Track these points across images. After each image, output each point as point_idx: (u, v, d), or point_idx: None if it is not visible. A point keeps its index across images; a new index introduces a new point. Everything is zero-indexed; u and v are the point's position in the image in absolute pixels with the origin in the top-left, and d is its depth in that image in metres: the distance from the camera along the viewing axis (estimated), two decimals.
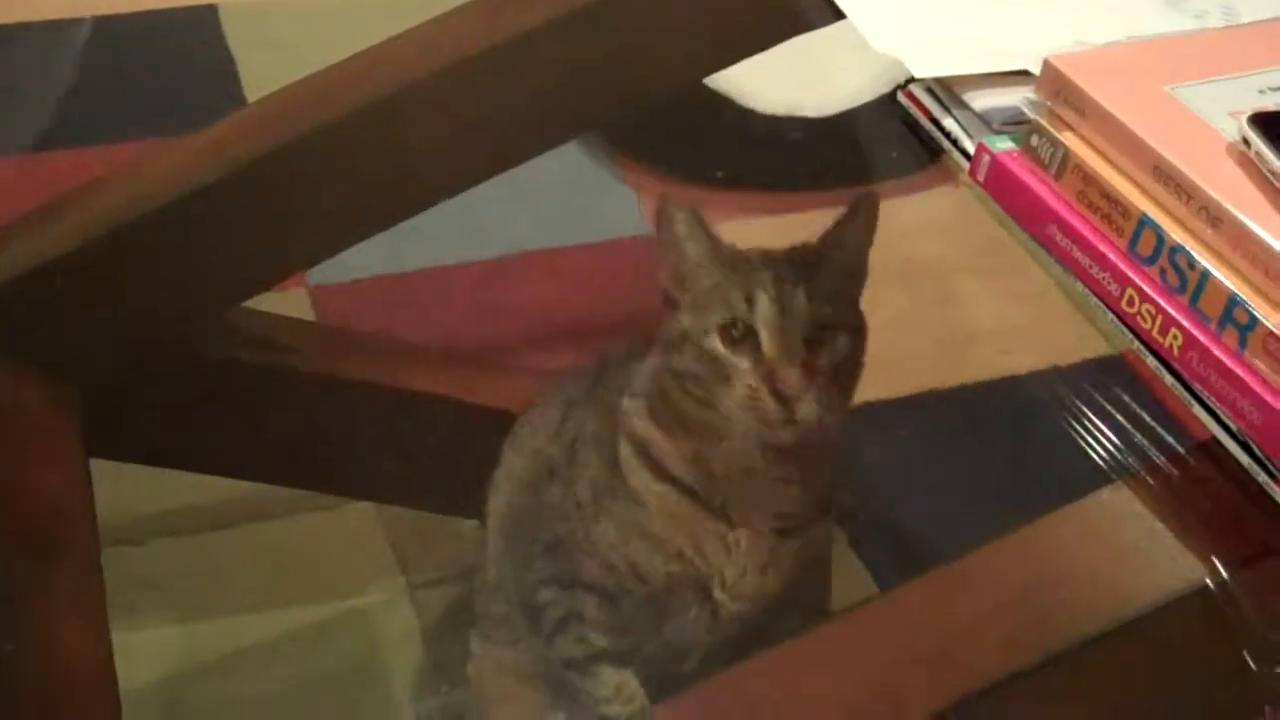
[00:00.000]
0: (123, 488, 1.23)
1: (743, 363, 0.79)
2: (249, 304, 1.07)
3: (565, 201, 1.69)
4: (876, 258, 1.67)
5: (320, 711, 1.12)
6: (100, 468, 0.95)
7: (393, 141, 0.90)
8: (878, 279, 1.62)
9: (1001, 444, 1.28)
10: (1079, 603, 0.60)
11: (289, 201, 0.91)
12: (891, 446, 1.24)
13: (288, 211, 0.91)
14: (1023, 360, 1.46)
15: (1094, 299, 0.62)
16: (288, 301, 1.40)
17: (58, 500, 0.86)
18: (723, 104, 1.64)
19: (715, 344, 0.80)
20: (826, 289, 0.84)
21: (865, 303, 1.58)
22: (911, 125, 0.74)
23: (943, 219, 1.78)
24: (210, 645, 1.16)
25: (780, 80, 1.67)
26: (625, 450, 0.84)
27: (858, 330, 0.85)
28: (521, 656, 1.00)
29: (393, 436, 1.06)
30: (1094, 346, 1.56)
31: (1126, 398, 0.65)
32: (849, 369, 0.83)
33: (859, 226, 0.85)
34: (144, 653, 1.10)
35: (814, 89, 1.68)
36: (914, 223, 1.73)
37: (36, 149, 1.53)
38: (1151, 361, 0.62)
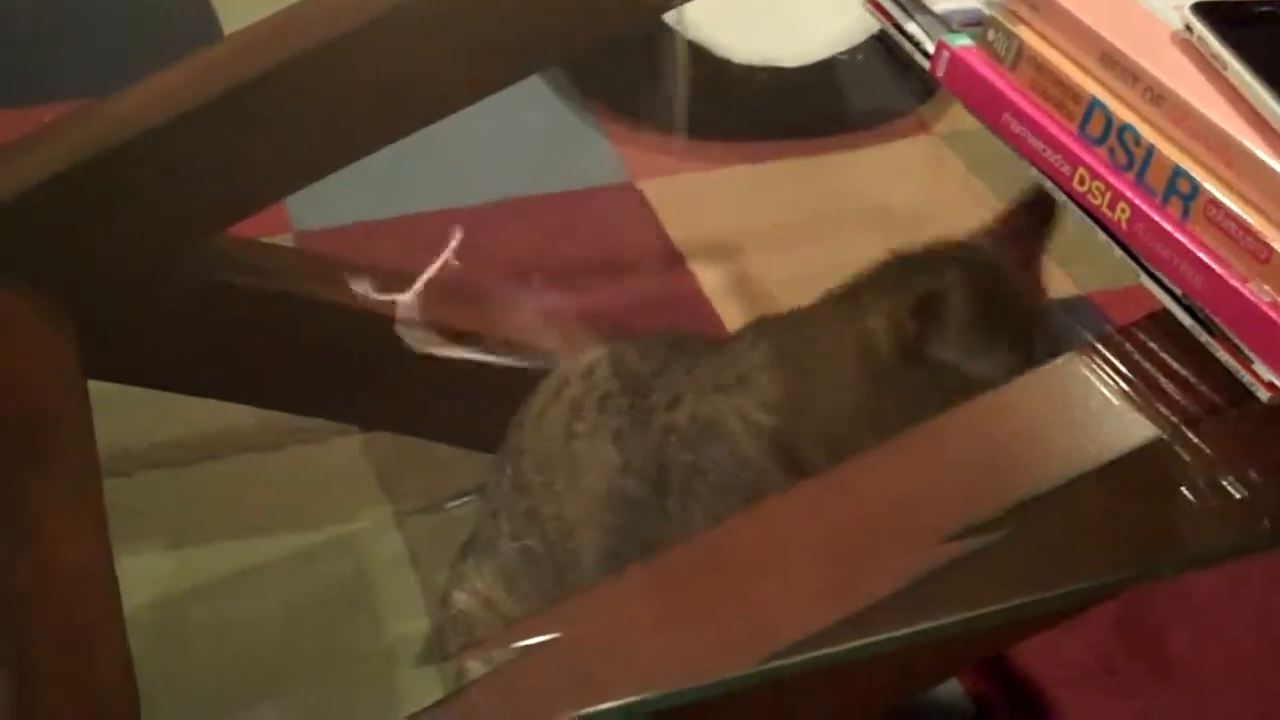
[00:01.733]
0: (110, 421, 1.25)
1: None
2: (237, 235, 1.09)
3: (543, 151, 1.72)
4: (850, 203, 1.70)
5: (311, 634, 1.15)
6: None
7: (368, 70, 0.92)
8: (852, 224, 1.66)
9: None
10: (1033, 462, 0.63)
11: (270, 128, 0.93)
12: None
13: (269, 138, 0.93)
14: None
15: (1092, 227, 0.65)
16: None
17: (57, 410, 0.89)
18: (699, 54, 1.67)
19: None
20: None
21: (842, 246, 1.61)
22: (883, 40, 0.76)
23: (915, 167, 1.81)
24: (201, 571, 1.19)
25: (756, 31, 1.70)
26: None
27: None
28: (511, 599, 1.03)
29: (381, 361, 1.09)
30: (1060, 287, 1.60)
31: (1091, 337, 0.68)
32: None
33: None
34: (136, 578, 1.12)
35: (789, 39, 1.71)
36: (888, 170, 1.76)
37: (21, 104, 1.56)
38: (1102, 236, 0.64)
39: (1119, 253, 0.64)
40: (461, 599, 1.06)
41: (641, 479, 0.95)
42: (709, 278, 1.54)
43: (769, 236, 1.60)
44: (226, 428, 1.28)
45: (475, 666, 0.80)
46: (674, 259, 1.57)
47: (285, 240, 1.51)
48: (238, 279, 1.04)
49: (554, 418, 1.00)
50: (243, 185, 0.97)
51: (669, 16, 1.63)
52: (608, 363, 1.00)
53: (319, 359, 1.07)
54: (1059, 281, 1.58)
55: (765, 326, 0.98)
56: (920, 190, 1.75)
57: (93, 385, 0.95)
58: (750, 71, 1.69)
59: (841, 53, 1.72)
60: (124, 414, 1.23)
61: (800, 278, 1.56)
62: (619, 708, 0.57)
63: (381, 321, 1.08)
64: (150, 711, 0.80)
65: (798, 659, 0.59)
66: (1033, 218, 0.92)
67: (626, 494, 0.95)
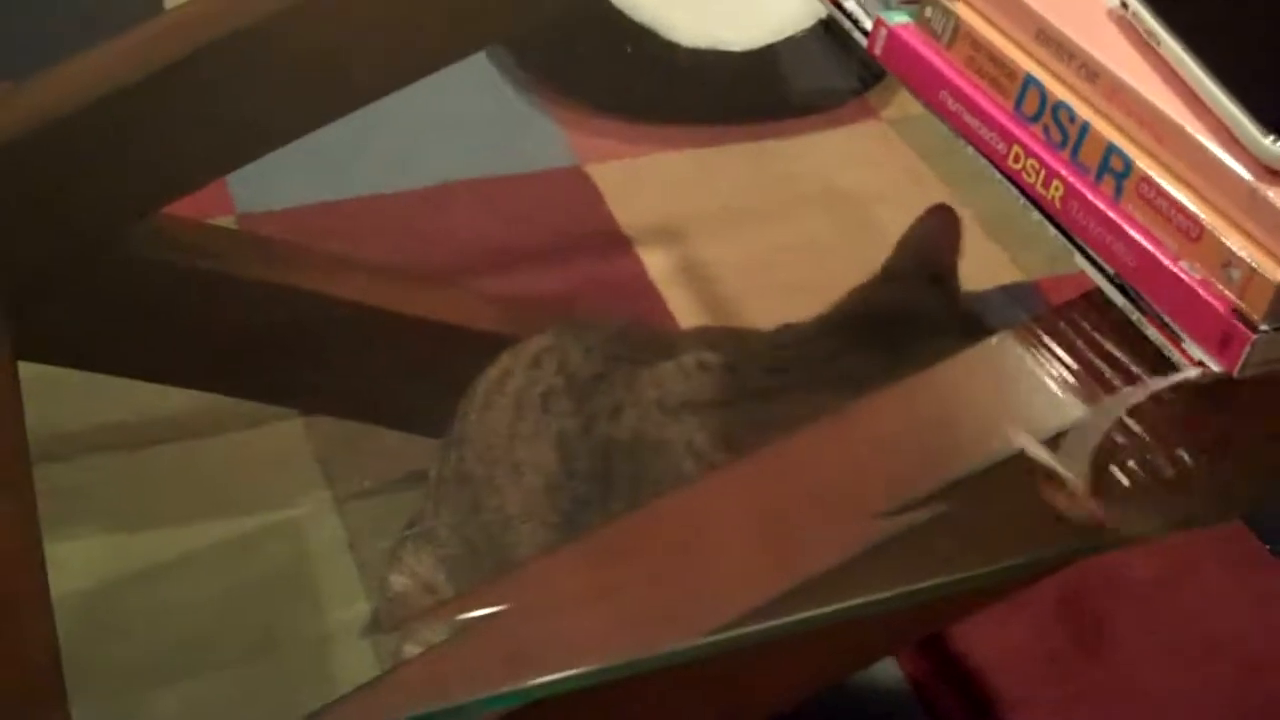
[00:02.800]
0: (48, 405, 1.24)
1: None
2: (179, 215, 1.08)
3: (492, 134, 1.71)
4: (798, 188, 1.70)
5: (249, 618, 1.14)
6: (24, 385, 0.96)
7: (312, 45, 0.92)
8: (801, 207, 1.66)
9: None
10: (967, 440, 0.63)
11: (209, 104, 0.92)
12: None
13: (209, 114, 0.92)
14: None
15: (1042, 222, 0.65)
16: None
17: None
18: (646, 37, 1.66)
19: None
20: None
21: (789, 229, 1.62)
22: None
23: (864, 151, 1.81)
24: (139, 556, 1.18)
25: (704, 14, 1.70)
26: None
27: None
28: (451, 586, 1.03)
29: (322, 345, 1.08)
30: (1007, 273, 1.60)
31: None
32: None
33: None
34: (72, 562, 1.12)
35: (738, 23, 1.71)
36: (835, 155, 1.77)
37: None
38: (1036, 215, 0.64)
39: (1053, 231, 0.64)
40: (400, 581, 1.05)
41: (584, 480, 0.95)
42: (655, 262, 1.54)
43: (716, 221, 1.60)
44: (166, 411, 1.26)
45: (413, 646, 0.80)
46: (620, 243, 1.57)
47: (228, 222, 1.50)
48: (177, 259, 1.03)
49: (498, 410, 1.00)
50: (182, 162, 0.96)
51: None
52: (552, 358, 1.00)
53: (259, 342, 1.06)
54: (1004, 268, 1.60)
55: (709, 336, 0.99)
56: (868, 175, 1.75)
57: (30, 367, 0.94)
58: (698, 55, 1.69)
59: (789, 36, 1.72)
60: (63, 397, 1.22)
61: (747, 262, 1.57)
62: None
63: (324, 303, 1.07)
64: (86, 694, 0.79)
65: (734, 634, 0.59)
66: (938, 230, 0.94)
67: (568, 493, 0.96)
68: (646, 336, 1.05)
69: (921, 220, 0.99)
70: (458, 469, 1.02)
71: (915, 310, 0.96)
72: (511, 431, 0.99)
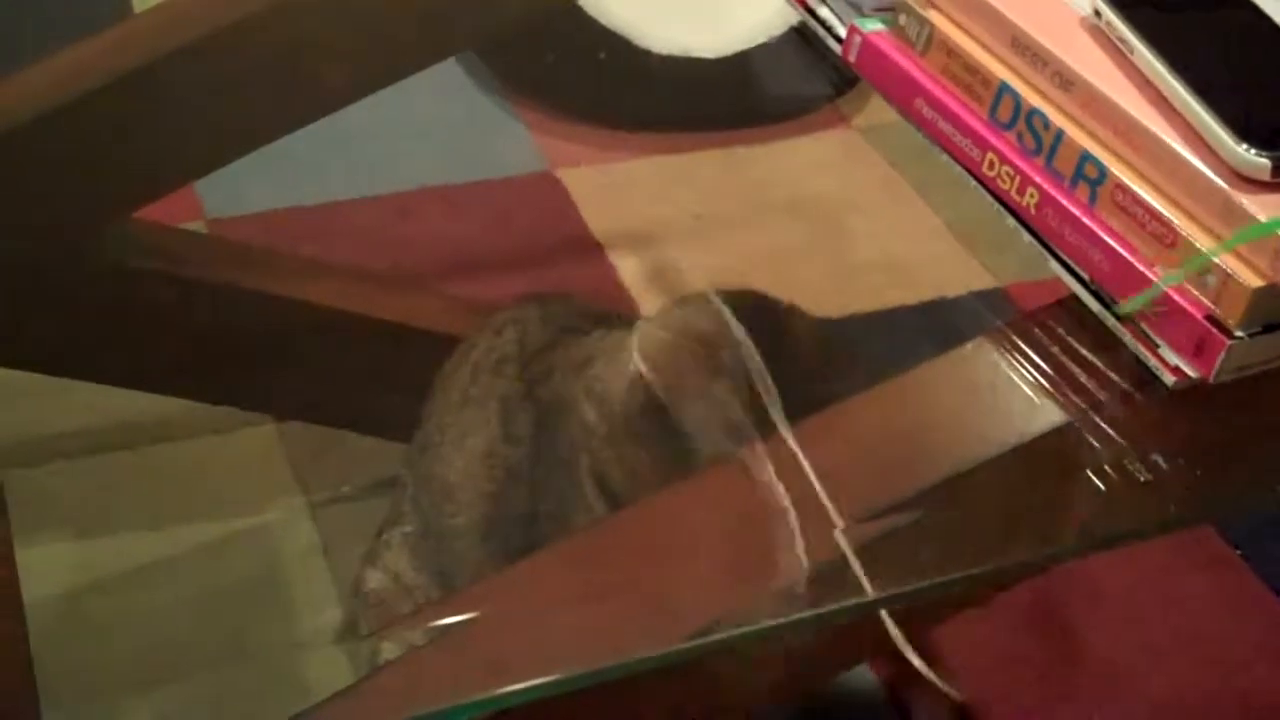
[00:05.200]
0: (19, 410, 1.24)
1: None
2: (147, 220, 1.08)
3: (462, 140, 1.71)
4: (769, 194, 1.70)
5: (221, 624, 1.13)
6: None
7: (281, 50, 0.92)
8: (772, 214, 1.66)
9: (889, 372, 1.32)
10: (941, 447, 0.63)
11: (179, 109, 0.92)
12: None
13: (178, 119, 0.92)
14: (908, 292, 1.51)
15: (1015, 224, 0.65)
16: None
17: None
18: (617, 44, 1.66)
19: None
20: None
21: (760, 236, 1.62)
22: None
23: (834, 159, 1.82)
24: (109, 562, 1.17)
25: (675, 21, 1.70)
26: None
27: None
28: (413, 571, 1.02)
29: (293, 349, 1.08)
30: (979, 279, 1.61)
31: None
32: None
33: None
34: (44, 569, 1.11)
35: (709, 30, 1.71)
36: (807, 162, 1.77)
37: None
38: (1011, 222, 0.65)
39: (1028, 238, 0.65)
40: (374, 577, 1.05)
41: (515, 445, 0.95)
42: (628, 268, 1.54)
43: (688, 227, 1.60)
44: (136, 417, 1.26)
45: (390, 648, 0.80)
46: (592, 248, 1.57)
47: (197, 228, 1.49)
48: (147, 264, 1.02)
49: (458, 377, 1.00)
50: (151, 167, 0.96)
51: (589, 5, 1.62)
52: (515, 328, 1.00)
53: (230, 347, 1.05)
54: (976, 274, 1.60)
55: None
56: (838, 182, 1.76)
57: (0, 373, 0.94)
58: (670, 61, 1.69)
59: (760, 44, 1.72)
60: (33, 403, 1.21)
61: (719, 268, 1.57)
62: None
63: (295, 308, 1.07)
64: (57, 701, 0.79)
65: (709, 639, 0.59)
66: None
67: (502, 459, 0.95)
68: (611, 312, 1.04)
69: None
70: (422, 442, 1.01)
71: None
72: (464, 397, 0.99)
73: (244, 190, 1.51)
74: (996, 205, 0.66)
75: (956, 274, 1.63)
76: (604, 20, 1.66)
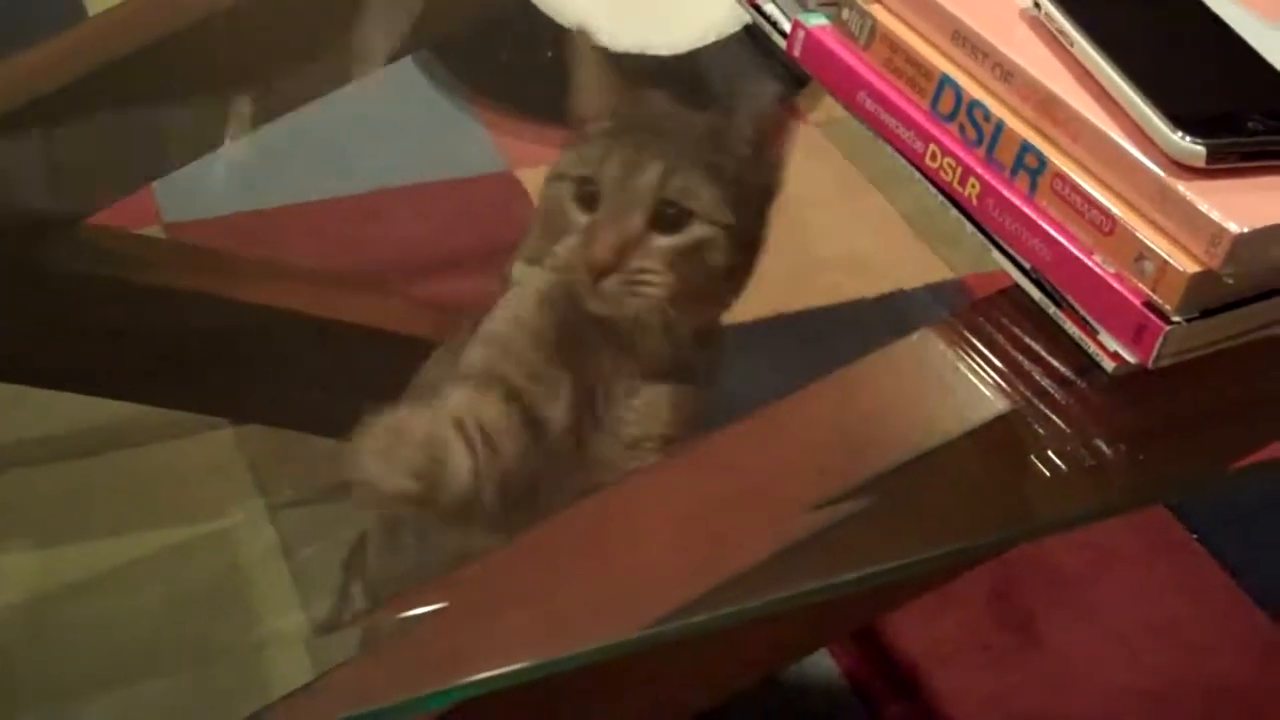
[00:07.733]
0: None
1: (580, 220, 0.78)
2: (103, 225, 1.08)
3: (422, 140, 1.71)
4: None
5: (183, 629, 1.13)
6: None
7: (236, 51, 0.92)
8: None
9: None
10: (890, 435, 0.63)
11: (134, 111, 0.92)
12: (744, 368, 1.28)
13: (133, 121, 0.92)
14: (868, 285, 1.51)
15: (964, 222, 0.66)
16: None
17: None
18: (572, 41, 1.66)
19: (564, 192, 0.79)
20: (702, 175, 0.81)
21: None
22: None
23: (791, 153, 1.82)
24: (71, 568, 1.16)
25: (630, 18, 1.70)
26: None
27: (736, 233, 0.83)
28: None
29: (252, 352, 1.08)
30: (936, 272, 1.62)
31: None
32: (707, 269, 0.80)
33: (778, 137, 0.84)
34: (4, 575, 1.11)
35: (664, 27, 1.71)
36: None
37: None
38: (954, 213, 0.66)
39: (971, 228, 0.66)
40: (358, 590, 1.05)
41: None
42: None
43: None
44: (95, 422, 1.25)
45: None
46: None
47: (154, 232, 1.48)
48: (103, 269, 1.02)
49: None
50: (107, 170, 0.96)
51: (543, 3, 1.63)
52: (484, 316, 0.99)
53: (188, 350, 1.05)
54: (933, 265, 1.61)
55: None
56: (796, 177, 1.76)
57: None
58: (626, 60, 1.69)
59: (715, 40, 1.72)
60: None
61: None
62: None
63: (254, 311, 1.07)
64: (20, 707, 0.79)
65: (668, 627, 0.59)
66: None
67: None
68: None
69: None
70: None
71: None
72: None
73: (201, 194, 1.51)
74: (940, 197, 0.67)
75: (914, 266, 1.64)
76: (557, 17, 1.66)
